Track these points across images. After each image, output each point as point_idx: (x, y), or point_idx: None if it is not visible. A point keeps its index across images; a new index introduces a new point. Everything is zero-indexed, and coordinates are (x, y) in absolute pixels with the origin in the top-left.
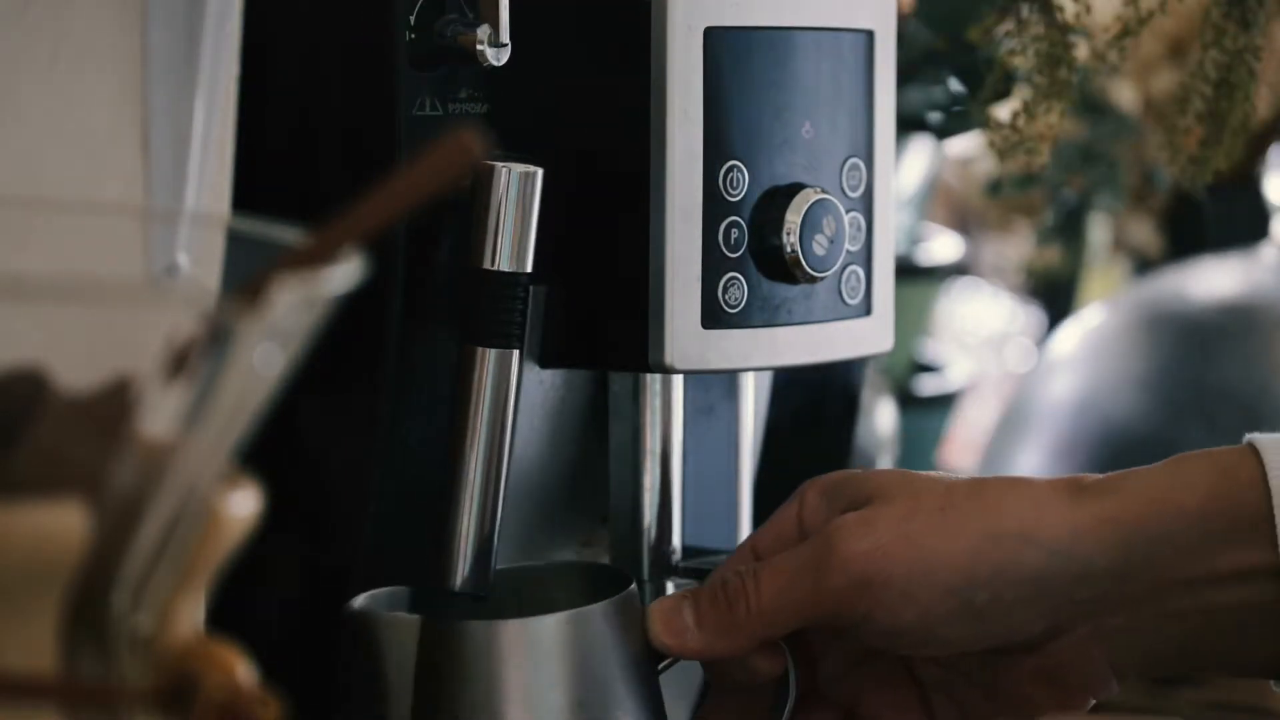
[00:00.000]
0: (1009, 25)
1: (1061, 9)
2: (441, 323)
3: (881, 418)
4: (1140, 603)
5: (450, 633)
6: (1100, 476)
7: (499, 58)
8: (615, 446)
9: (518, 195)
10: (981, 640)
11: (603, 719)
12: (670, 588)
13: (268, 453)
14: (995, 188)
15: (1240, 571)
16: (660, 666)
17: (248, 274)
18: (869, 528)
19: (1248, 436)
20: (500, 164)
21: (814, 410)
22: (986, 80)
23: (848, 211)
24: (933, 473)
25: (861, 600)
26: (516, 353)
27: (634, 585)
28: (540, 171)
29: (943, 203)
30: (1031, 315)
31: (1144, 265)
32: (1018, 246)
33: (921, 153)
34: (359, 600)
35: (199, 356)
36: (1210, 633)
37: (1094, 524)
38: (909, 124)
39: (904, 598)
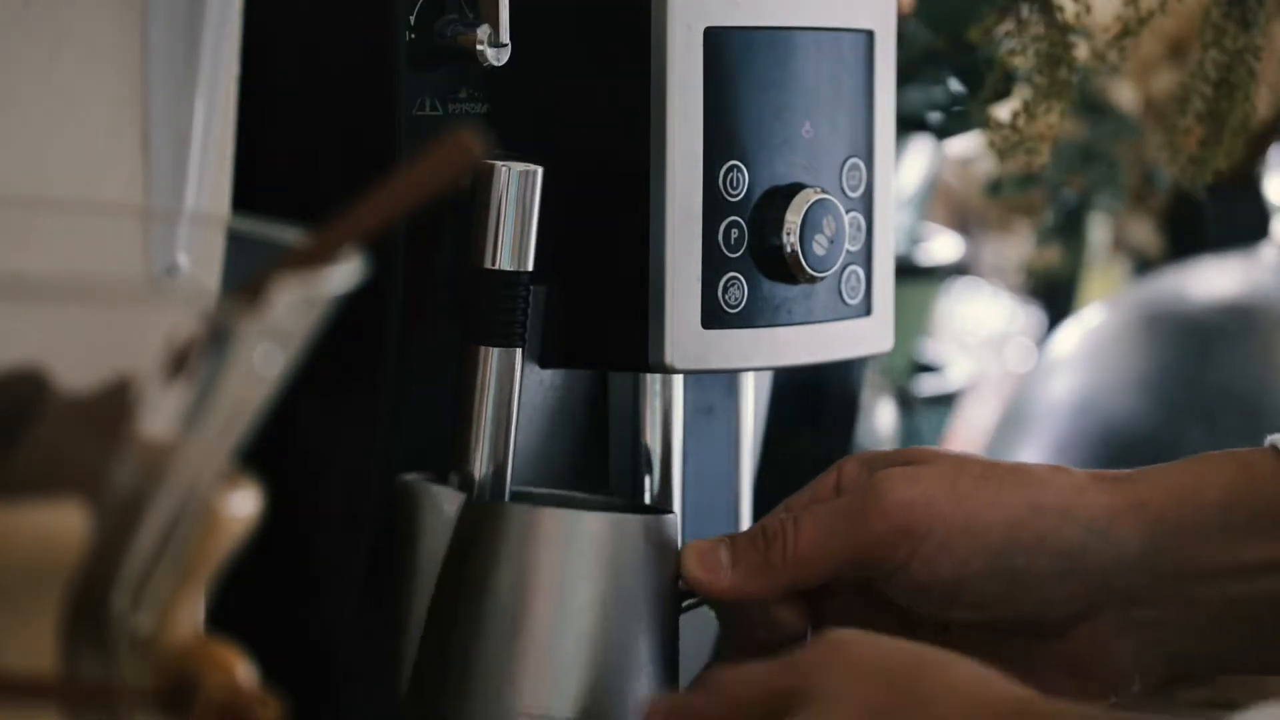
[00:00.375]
0: (1009, 25)
1: (1061, 9)
2: (442, 322)
3: (881, 418)
4: (1168, 594)
5: (490, 511)
6: (1125, 471)
7: (499, 58)
8: (615, 446)
9: (518, 194)
10: (1010, 607)
11: (622, 629)
12: None
13: (268, 453)
14: (995, 188)
15: (1265, 564)
16: (684, 604)
17: (248, 274)
18: (913, 481)
19: (1270, 439)
20: (500, 163)
21: (814, 410)
22: (986, 80)
23: (848, 211)
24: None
25: (899, 549)
26: (519, 351)
27: (674, 515)
28: (540, 170)
29: (943, 203)
30: (1031, 315)
31: (1144, 265)
32: (1018, 246)
33: (921, 153)
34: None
35: (199, 356)
36: (1234, 627)
37: (1128, 509)
38: (909, 124)
39: (942, 551)
